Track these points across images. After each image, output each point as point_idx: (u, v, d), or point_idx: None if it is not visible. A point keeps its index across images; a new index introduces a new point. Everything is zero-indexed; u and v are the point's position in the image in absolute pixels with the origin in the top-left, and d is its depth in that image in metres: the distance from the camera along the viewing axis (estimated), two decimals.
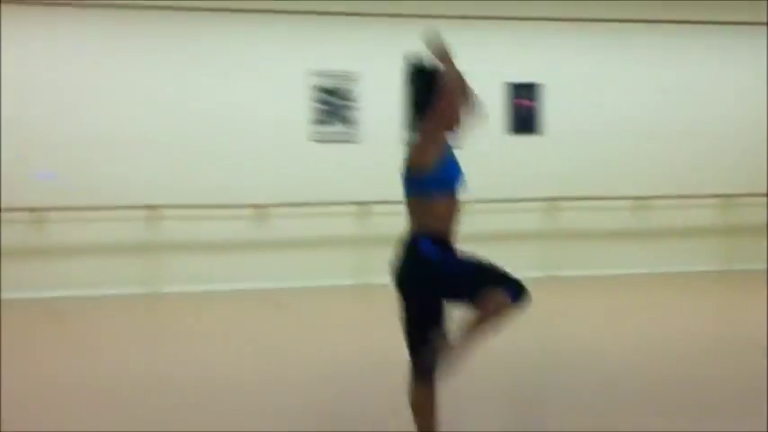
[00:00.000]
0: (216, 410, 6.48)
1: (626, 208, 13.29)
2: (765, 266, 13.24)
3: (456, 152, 4.69)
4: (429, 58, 4.53)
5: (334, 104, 12.32)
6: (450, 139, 4.63)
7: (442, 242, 4.52)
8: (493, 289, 4.45)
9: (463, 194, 4.68)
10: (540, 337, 9.47)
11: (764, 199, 13.50)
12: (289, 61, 12.15)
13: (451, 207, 4.58)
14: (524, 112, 12.92)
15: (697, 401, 6.66)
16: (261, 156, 12.11)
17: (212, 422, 6.22)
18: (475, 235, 12.64)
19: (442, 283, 4.50)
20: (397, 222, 11.99)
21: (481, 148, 12.92)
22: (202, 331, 9.66)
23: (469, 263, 4.57)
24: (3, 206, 11.21)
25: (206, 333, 9.54)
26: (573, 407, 6.55)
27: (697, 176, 13.33)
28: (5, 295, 11.07)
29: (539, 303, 11.01)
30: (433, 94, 4.47)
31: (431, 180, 4.50)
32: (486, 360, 8.03)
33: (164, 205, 11.69)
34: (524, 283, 4.58)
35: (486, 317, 4.46)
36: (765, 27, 13.26)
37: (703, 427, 5.93)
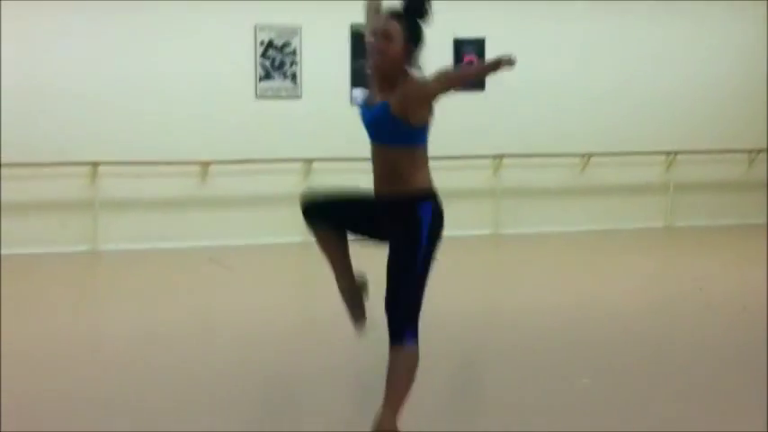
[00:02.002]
0: (152, 368, 6.43)
1: (570, 165, 13.33)
2: (706, 223, 13.42)
3: None
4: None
5: (276, 59, 12.15)
6: None
7: (440, 215, 4.48)
8: (401, 347, 4.29)
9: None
10: (483, 294, 9.52)
11: (706, 156, 13.63)
12: (232, 15, 11.93)
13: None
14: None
15: (629, 359, 6.72)
16: (204, 112, 11.93)
17: (148, 380, 6.18)
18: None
19: (400, 246, 4.36)
20: (339, 178, 11.87)
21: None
22: (141, 289, 9.55)
23: (425, 271, 4.42)
24: None
25: (145, 291, 9.44)
26: (510, 365, 6.57)
27: (641, 133, 13.39)
28: None
29: (484, 261, 11.18)
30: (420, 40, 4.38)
31: (424, 131, 4.40)
32: (428, 317, 8.07)
33: (105, 162, 11.48)
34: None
35: (401, 381, 4.33)
36: None
37: (629, 386, 5.99)
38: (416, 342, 4.30)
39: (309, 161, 11.90)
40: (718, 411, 5.41)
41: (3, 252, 10.99)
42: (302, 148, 11.91)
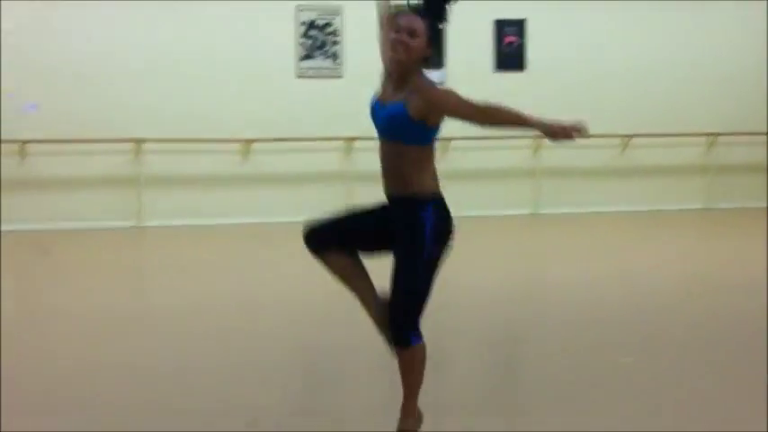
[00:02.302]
0: (195, 338, 6.57)
1: (611, 146, 13.31)
2: (746, 205, 13.35)
3: None
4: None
5: (318, 39, 12.24)
6: None
7: (444, 218, 4.33)
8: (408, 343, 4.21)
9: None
10: (522, 273, 9.57)
11: (747, 138, 13.54)
12: None
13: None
14: (510, 48, 12.88)
15: (667, 338, 6.76)
16: (246, 91, 12.05)
17: (191, 349, 6.32)
18: (461, 173, 12.73)
19: (403, 250, 4.24)
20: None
21: (469, 85, 12.94)
22: (184, 264, 9.72)
23: (428, 276, 4.25)
24: None
25: (188, 266, 9.59)
26: (549, 343, 6.63)
27: (683, 115, 13.34)
28: None
29: (523, 241, 11.16)
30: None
31: (435, 130, 4.28)
32: (466, 295, 8.15)
33: (150, 139, 11.65)
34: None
35: (412, 376, 4.30)
36: None
37: (666, 364, 6.04)
38: (420, 337, 4.23)
39: (350, 140, 12.00)
40: (759, 387, 5.43)
41: (50, 227, 11.21)
42: (343, 126, 12.00)
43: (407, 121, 4.18)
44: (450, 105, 4.19)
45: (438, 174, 4.34)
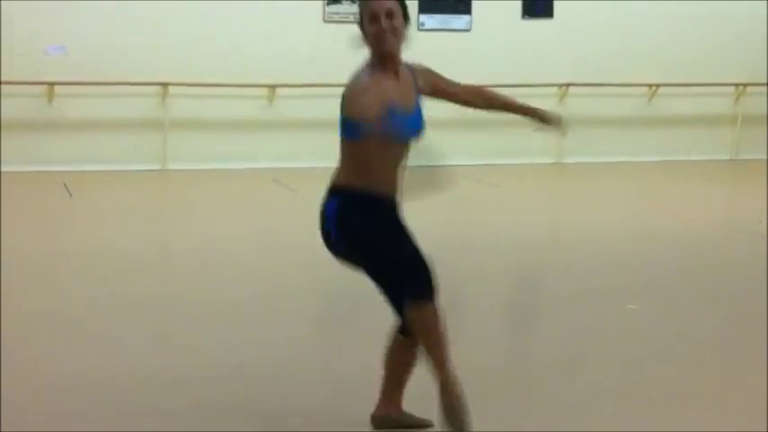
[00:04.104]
0: (217, 277, 6.69)
1: (638, 95, 13.23)
2: None
3: None
4: None
5: None
6: None
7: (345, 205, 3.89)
8: (413, 303, 3.69)
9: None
10: (545, 222, 9.61)
11: None
12: None
13: None
14: None
15: (686, 286, 6.80)
16: (272, 36, 12.02)
17: (213, 287, 6.48)
18: (486, 121, 12.66)
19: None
20: None
21: (496, 33, 12.86)
22: (208, 207, 9.83)
23: (377, 243, 3.82)
24: (15, 80, 11.17)
25: (211, 209, 9.70)
26: (570, 289, 6.68)
27: (711, 65, 13.21)
28: (17, 168, 11.14)
29: (547, 189, 11.18)
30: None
31: None
32: (491, 241, 8.21)
33: (175, 83, 11.66)
34: (428, 266, 3.76)
35: (429, 342, 3.75)
36: None
37: (679, 311, 6.11)
38: (427, 297, 3.68)
39: None
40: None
41: (78, 168, 11.29)
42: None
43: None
44: (448, 82, 4.04)
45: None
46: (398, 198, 3.90)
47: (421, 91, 3.95)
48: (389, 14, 3.79)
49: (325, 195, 3.93)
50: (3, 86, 11.09)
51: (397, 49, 3.84)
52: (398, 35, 3.80)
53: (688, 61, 13.13)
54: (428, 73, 4.01)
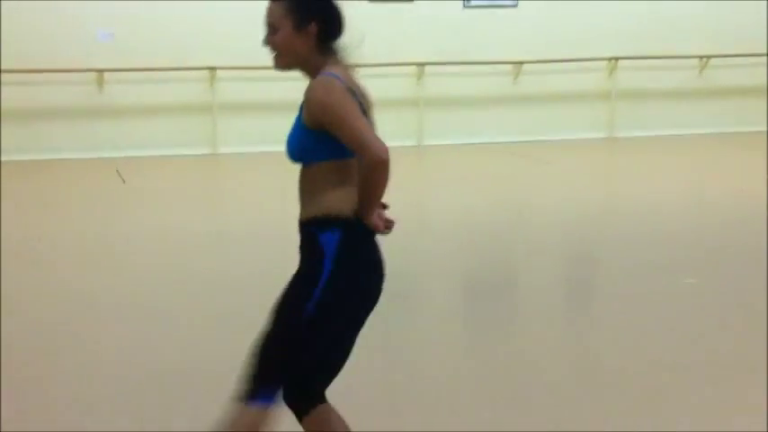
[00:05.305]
0: (267, 260, 6.74)
1: (689, 67, 13.06)
2: None
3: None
4: None
5: None
6: None
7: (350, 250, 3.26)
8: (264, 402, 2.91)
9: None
10: (600, 197, 9.56)
11: None
12: None
13: None
14: None
15: (744, 259, 6.72)
16: None
17: (263, 270, 6.47)
18: (534, 95, 12.61)
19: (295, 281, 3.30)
20: (453, 83, 11.88)
21: (542, 7, 12.74)
22: (258, 190, 9.90)
23: (316, 326, 3.10)
24: (66, 67, 11.29)
25: (262, 192, 9.76)
26: (627, 264, 6.65)
27: (762, 35, 13.01)
28: (68, 155, 11.30)
29: (598, 162, 11.14)
30: None
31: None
32: (541, 215, 8.19)
33: (222, 66, 11.72)
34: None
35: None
36: None
37: (738, 285, 6.04)
38: (266, 400, 2.91)
39: (422, 65, 11.88)
40: None
41: (129, 154, 11.41)
42: (414, 51, 11.89)
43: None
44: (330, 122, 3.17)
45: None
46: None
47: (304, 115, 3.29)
48: (271, 29, 3.16)
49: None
50: (54, 74, 11.23)
51: (289, 65, 3.21)
52: (284, 52, 3.16)
53: (738, 31, 12.93)
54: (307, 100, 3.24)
